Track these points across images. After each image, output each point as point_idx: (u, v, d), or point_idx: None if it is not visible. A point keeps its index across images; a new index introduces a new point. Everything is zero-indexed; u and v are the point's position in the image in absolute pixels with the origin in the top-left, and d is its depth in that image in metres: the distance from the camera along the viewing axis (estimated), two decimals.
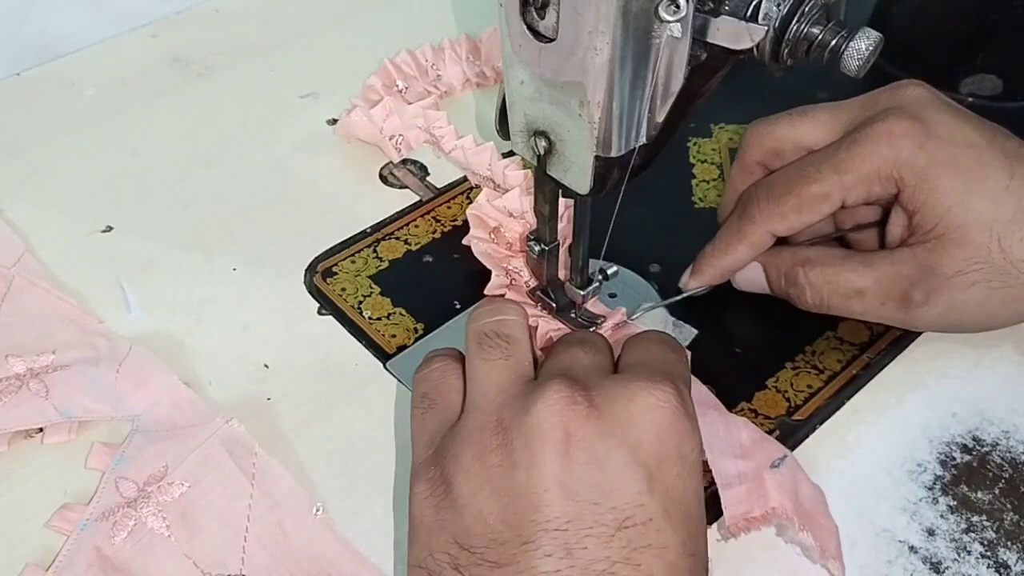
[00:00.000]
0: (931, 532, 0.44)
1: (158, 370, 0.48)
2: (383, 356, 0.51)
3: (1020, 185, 0.46)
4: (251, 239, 0.57)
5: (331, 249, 0.56)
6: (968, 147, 0.46)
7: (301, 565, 0.42)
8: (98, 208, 0.58)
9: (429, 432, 0.40)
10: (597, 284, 0.50)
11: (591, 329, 0.50)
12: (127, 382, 0.48)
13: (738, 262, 0.51)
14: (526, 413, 0.37)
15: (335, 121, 0.64)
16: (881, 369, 0.50)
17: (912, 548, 0.44)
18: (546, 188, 0.46)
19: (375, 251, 0.56)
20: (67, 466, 0.46)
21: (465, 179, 0.60)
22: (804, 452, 0.47)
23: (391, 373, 0.50)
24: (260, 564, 0.42)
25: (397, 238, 0.57)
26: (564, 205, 0.49)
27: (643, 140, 0.41)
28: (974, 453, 0.47)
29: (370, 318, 0.52)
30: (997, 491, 0.46)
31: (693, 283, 0.52)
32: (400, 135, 0.61)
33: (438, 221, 0.58)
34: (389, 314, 0.53)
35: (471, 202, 0.55)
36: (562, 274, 0.51)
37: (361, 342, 0.51)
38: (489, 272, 0.52)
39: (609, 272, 0.50)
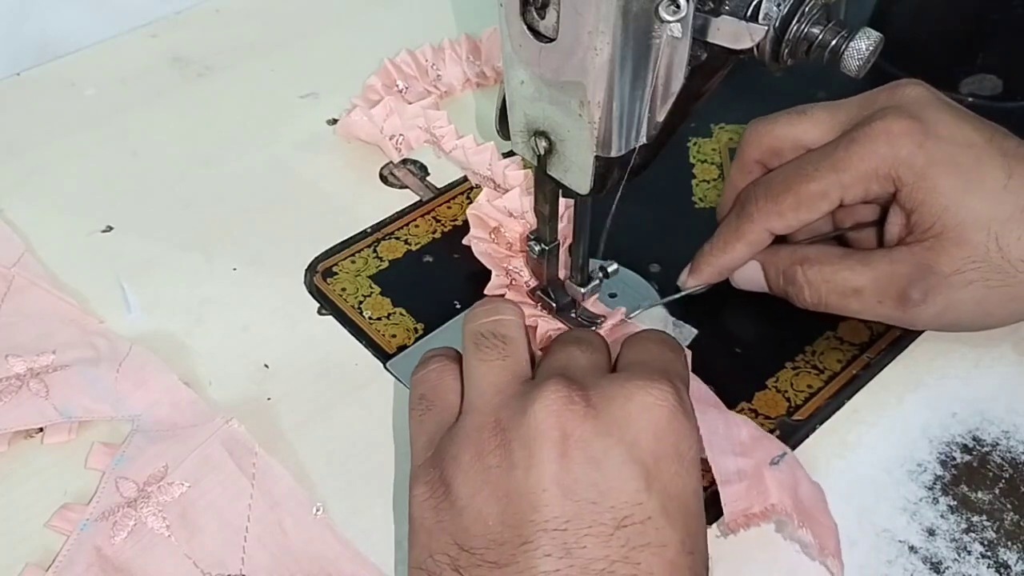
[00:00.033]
0: (931, 532, 0.44)
1: (158, 370, 0.48)
2: (383, 356, 0.51)
3: (1018, 184, 0.46)
4: (251, 239, 0.57)
5: (331, 249, 0.56)
6: (967, 146, 0.46)
7: (301, 565, 0.42)
8: (98, 208, 0.58)
9: (427, 434, 0.40)
10: (597, 282, 0.50)
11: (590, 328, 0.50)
12: (127, 382, 0.48)
13: (736, 260, 0.51)
14: (524, 414, 0.37)
15: (335, 121, 0.64)
16: (881, 369, 0.50)
17: (912, 548, 0.44)
18: (546, 188, 0.46)
19: (375, 251, 0.56)
20: (67, 466, 0.46)
21: (465, 179, 0.60)
22: (804, 452, 0.47)
23: (391, 373, 0.50)
24: (260, 564, 0.42)
25: (397, 238, 0.57)
26: (564, 205, 0.49)
27: (643, 140, 0.41)
28: (974, 453, 0.47)
29: (370, 318, 0.52)
30: (997, 491, 0.46)
31: (691, 281, 0.52)
32: (400, 135, 0.61)
33: (438, 221, 0.58)
34: (389, 314, 0.53)
35: (471, 202, 0.55)
36: (562, 274, 0.51)
37: (361, 342, 0.51)
38: (489, 272, 0.52)
39: (609, 270, 0.50)
